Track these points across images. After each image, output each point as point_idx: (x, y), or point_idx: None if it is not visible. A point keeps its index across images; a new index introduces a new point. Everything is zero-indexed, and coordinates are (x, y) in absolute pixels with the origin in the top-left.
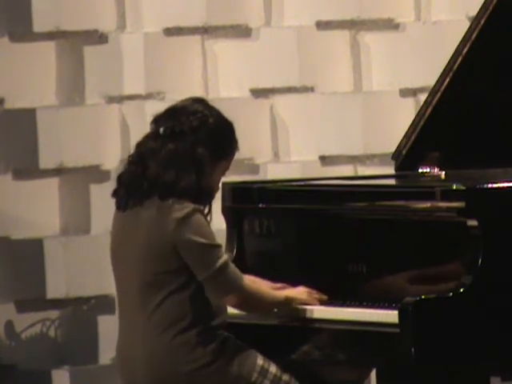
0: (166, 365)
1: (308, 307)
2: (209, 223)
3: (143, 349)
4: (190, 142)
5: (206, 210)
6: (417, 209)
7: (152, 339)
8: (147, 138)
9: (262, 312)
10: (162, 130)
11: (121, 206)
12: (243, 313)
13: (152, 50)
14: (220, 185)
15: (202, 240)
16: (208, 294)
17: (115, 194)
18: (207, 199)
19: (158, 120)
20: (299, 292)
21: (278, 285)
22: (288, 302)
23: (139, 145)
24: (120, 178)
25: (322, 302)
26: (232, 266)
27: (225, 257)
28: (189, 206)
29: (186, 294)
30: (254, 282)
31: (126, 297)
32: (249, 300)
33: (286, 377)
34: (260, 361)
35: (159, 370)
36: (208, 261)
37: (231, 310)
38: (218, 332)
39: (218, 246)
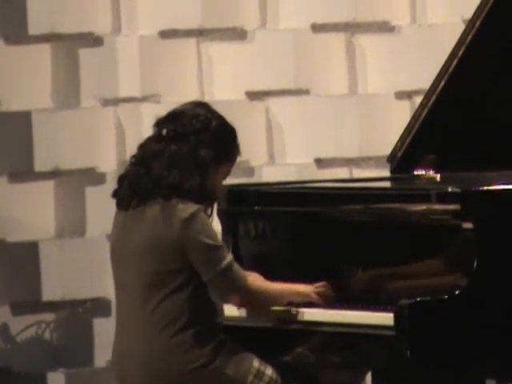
0: (162, 365)
1: (303, 310)
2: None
3: (141, 348)
4: (193, 143)
5: (209, 212)
6: (412, 211)
7: (151, 338)
8: (149, 140)
9: (269, 307)
10: (164, 131)
11: (122, 206)
12: (240, 315)
13: (147, 52)
14: None
15: (208, 240)
16: (212, 294)
17: (115, 194)
18: (210, 201)
19: (160, 123)
20: (305, 286)
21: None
22: (295, 293)
23: (142, 146)
24: (122, 179)
25: (324, 303)
26: (236, 265)
27: (229, 257)
28: (193, 206)
29: (184, 294)
30: (257, 279)
31: (125, 296)
32: (254, 298)
33: (281, 379)
34: (256, 363)
35: (155, 369)
36: (213, 261)
37: (228, 313)
38: (215, 334)
39: (223, 246)
